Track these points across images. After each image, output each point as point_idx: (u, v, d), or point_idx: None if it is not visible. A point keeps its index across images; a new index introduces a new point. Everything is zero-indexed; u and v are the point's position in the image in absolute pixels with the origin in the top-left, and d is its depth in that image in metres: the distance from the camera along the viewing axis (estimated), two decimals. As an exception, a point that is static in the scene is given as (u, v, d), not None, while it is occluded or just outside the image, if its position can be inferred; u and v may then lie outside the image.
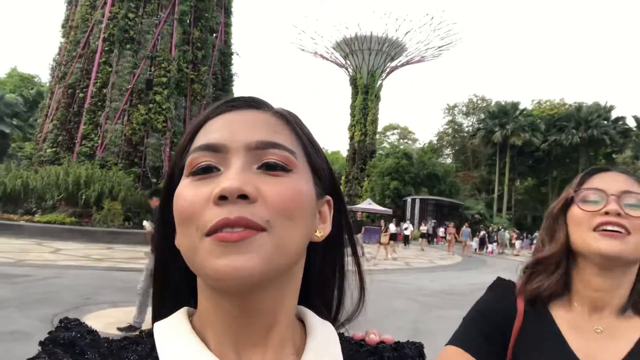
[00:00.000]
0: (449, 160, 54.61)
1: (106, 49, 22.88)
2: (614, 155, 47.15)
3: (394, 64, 48.55)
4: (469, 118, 55.24)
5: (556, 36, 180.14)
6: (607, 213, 0.95)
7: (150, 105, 22.44)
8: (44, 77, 50.51)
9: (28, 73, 55.31)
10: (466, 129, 54.82)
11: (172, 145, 22.79)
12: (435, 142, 56.35)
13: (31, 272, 9.51)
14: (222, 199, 0.46)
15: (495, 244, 28.37)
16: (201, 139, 0.52)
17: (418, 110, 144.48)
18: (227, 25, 27.40)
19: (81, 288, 8.31)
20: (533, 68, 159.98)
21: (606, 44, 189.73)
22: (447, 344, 1.05)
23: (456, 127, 55.59)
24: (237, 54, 28.18)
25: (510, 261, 19.78)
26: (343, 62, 49.33)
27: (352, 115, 47.39)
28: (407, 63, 49.39)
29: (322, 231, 0.55)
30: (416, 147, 59.67)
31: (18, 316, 6.21)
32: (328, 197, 0.57)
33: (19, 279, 8.65)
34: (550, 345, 0.98)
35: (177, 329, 0.52)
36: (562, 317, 1.01)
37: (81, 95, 22.87)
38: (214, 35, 26.29)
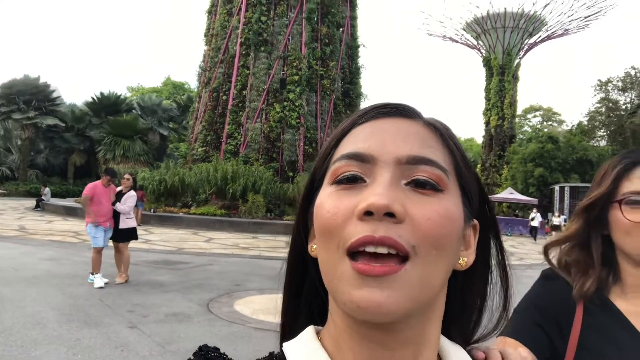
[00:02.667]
0: (602, 143, 48.64)
1: (243, 52, 24.49)
2: None
3: (532, 40, 44.59)
4: (626, 94, 48.50)
5: None
6: None
7: (285, 103, 23.55)
8: (193, 83, 55.96)
9: (179, 81, 61.83)
10: (623, 107, 48.36)
11: (305, 139, 23.68)
12: (585, 123, 50.50)
13: (189, 259, 10.56)
14: (367, 214, 0.43)
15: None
16: (348, 146, 0.49)
17: (563, 89, 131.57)
18: (353, 18, 27.59)
19: (231, 275, 8.99)
20: None
21: None
22: (498, 336, 0.96)
23: (611, 105, 49.16)
24: (364, 46, 28.26)
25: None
26: (475, 43, 46.65)
27: (487, 99, 44.61)
28: (548, 38, 45.02)
29: (466, 259, 0.50)
30: (563, 129, 54.29)
31: (180, 299, 6.90)
32: (475, 222, 0.52)
33: (180, 266, 9.65)
34: (624, 335, 0.98)
35: (312, 356, 0.49)
36: (623, 307, 1.01)
37: (224, 97, 24.82)
38: (341, 29, 26.65)
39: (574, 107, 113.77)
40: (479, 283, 0.54)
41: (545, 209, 28.29)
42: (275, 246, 14.18)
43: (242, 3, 24.65)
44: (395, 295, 0.41)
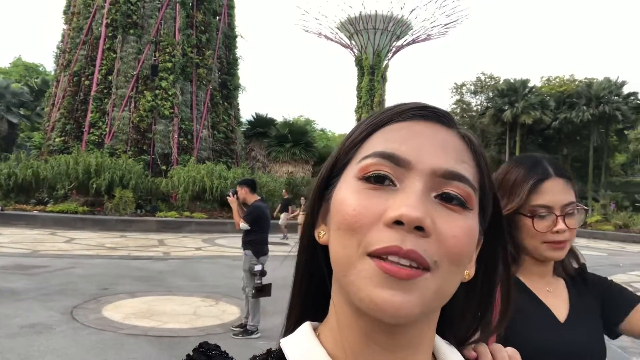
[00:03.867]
0: (457, 140, 54.03)
1: (109, 34, 22.64)
2: (625, 132, 46.48)
3: (399, 43, 47.67)
4: (477, 97, 54.42)
5: (565, 10, 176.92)
6: (557, 232, 1.22)
7: (157, 92, 22.27)
8: (49, 65, 50.38)
9: (32, 62, 55.10)
10: (475, 108, 54.10)
11: (179, 131, 22.65)
12: (443, 121, 55.63)
13: (47, 262, 9.49)
14: (397, 223, 0.43)
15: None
16: (381, 143, 0.48)
17: (425, 90, 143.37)
18: (230, 7, 27.02)
19: (98, 278, 8.28)
20: (542, 44, 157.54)
21: (617, 17, 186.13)
22: None
23: (464, 106, 54.81)
24: (242, 37, 27.83)
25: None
26: (348, 42, 48.55)
27: (359, 97, 46.81)
28: (413, 42, 48.49)
29: (469, 271, 0.51)
30: (424, 127, 58.86)
31: (38, 308, 6.18)
32: (480, 237, 0.52)
33: (36, 270, 8.63)
34: (533, 305, 1.27)
35: (311, 354, 0.48)
36: (529, 284, 1.29)
37: (87, 82, 22.71)
38: (218, 18, 25.93)
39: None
40: (480, 293, 0.54)
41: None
42: (146, 245, 13.38)
43: (108, -20, 22.69)
44: (413, 301, 0.42)
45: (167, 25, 23.18)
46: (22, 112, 39.51)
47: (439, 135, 0.48)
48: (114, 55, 22.46)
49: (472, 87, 53.55)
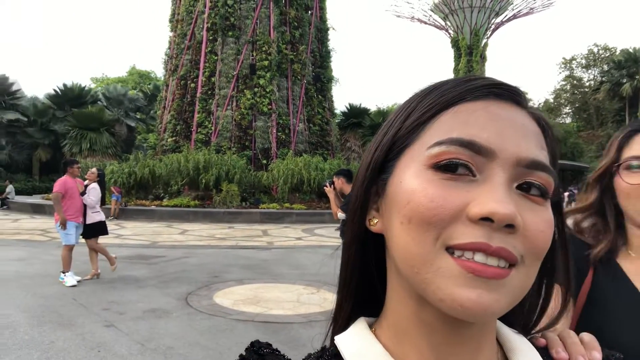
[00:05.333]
0: (568, 120, 50.01)
1: (210, 38, 23.93)
2: None
3: (499, 19, 45.03)
4: (589, 71, 49.87)
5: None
6: None
7: (255, 89, 23.18)
8: (159, 71, 54.63)
9: (145, 69, 60.22)
10: (587, 84, 49.62)
11: (277, 126, 23.42)
12: (551, 100, 51.70)
13: (164, 252, 10.33)
14: (484, 219, 0.39)
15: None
16: (458, 128, 0.42)
17: (530, 68, 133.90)
18: (322, 0, 27.24)
19: (209, 266, 8.83)
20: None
21: None
22: None
23: (575, 82, 50.47)
24: (333, 29, 27.98)
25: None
26: (443, 23, 46.82)
27: (456, 80, 45.03)
28: (514, 17, 45.52)
29: None
30: (529, 107, 55.28)
31: (157, 294, 6.73)
32: None
33: (155, 260, 9.43)
34: (625, 294, 1.06)
35: (369, 351, 0.46)
36: (627, 268, 1.08)
37: (192, 85, 24.27)
38: (310, 12, 26.30)
39: (541, 86, 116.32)
40: (539, 279, 0.50)
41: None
42: (251, 235, 14.04)
43: (207, -14, 24.01)
44: (501, 300, 0.40)
45: (262, 24, 23.98)
46: (138, 116, 43.36)
47: (518, 118, 0.44)
48: (215, 58, 23.73)
49: (584, 61, 49.09)
